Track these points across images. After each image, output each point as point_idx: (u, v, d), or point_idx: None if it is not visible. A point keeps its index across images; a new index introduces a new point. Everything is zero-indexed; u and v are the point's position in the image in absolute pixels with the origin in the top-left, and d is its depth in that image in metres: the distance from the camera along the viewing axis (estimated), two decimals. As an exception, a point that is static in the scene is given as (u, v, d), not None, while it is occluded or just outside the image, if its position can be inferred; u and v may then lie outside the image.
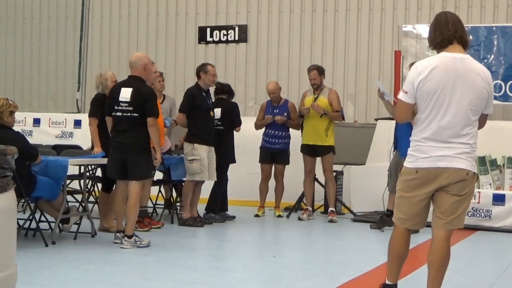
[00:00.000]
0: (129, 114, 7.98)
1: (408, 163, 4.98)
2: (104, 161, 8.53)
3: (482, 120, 5.04)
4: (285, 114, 10.89)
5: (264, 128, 11.03)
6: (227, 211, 10.59)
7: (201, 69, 9.97)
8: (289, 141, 10.99)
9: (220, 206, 10.50)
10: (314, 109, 10.45)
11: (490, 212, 9.94)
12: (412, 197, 4.97)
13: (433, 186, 4.90)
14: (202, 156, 9.63)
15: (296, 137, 11.01)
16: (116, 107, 8.05)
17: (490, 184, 10.10)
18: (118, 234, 8.13)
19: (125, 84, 8.21)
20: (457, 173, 4.84)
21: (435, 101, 4.82)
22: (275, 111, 10.89)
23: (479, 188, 10.06)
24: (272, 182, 11.06)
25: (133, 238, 7.93)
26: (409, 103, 4.92)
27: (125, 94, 8.01)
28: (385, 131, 11.26)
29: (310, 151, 10.71)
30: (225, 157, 10.30)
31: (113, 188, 9.10)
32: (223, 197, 10.53)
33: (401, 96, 4.95)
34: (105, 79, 8.98)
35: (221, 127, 10.23)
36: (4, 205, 2.89)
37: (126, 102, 7.98)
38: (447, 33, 4.92)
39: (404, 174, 5.02)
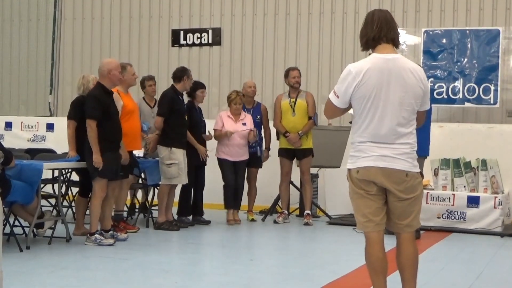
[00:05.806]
0: None
1: (349, 165, 4.83)
2: (79, 165, 8.50)
3: (420, 117, 4.91)
4: (258, 117, 10.88)
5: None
6: (202, 215, 10.55)
7: (185, 74, 9.93)
8: (262, 144, 10.99)
9: (194, 210, 10.49)
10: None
11: (464, 214, 10.00)
12: (363, 192, 4.78)
13: (378, 184, 4.73)
14: (180, 160, 9.58)
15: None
16: None
17: (464, 186, 10.16)
18: (105, 234, 8.43)
19: None
20: (396, 174, 4.70)
21: (371, 103, 4.69)
22: (247, 113, 10.86)
23: (453, 191, 10.15)
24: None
25: (94, 236, 8.24)
26: (338, 107, 4.85)
27: None
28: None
29: (289, 154, 10.71)
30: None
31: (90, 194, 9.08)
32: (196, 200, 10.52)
33: (332, 98, 4.83)
34: (87, 81, 8.93)
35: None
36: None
37: None
38: (370, 33, 4.79)
39: (349, 178, 4.85)
